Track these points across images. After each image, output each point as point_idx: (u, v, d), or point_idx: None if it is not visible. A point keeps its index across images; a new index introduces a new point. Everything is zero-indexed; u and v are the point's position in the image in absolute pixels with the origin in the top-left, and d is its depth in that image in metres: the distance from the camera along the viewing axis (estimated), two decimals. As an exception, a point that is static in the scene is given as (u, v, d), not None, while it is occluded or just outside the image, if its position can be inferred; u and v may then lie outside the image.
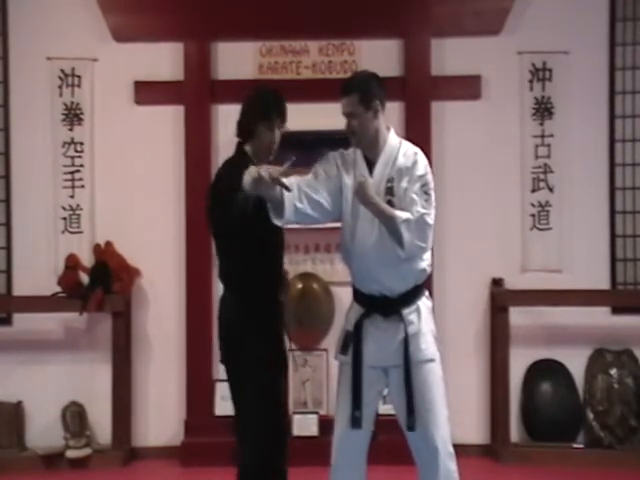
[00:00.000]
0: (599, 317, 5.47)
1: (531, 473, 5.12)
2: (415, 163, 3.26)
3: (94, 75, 5.60)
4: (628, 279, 5.56)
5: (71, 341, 5.53)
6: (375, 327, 3.27)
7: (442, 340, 5.63)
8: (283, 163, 3.10)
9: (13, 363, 5.43)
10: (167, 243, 5.54)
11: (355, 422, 3.24)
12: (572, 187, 5.54)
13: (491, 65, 5.56)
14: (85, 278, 5.45)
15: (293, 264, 5.52)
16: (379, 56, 5.55)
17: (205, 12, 5.50)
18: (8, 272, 5.58)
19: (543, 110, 5.56)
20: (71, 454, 5.26)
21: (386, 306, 3.26)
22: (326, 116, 5.39)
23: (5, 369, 5.42)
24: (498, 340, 5.37)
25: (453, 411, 5.47)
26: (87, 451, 5.31)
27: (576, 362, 5.45)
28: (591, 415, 5.37)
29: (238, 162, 3.38)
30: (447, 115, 5.55)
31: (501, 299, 5.38)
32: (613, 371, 5.41)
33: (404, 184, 3.22)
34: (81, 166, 5.58)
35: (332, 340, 5.53)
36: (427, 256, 3.29)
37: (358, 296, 3.36)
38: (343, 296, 5.51)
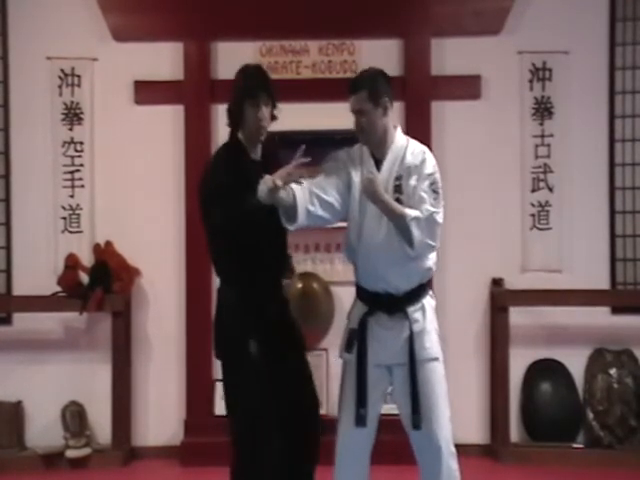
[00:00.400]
0: (599, 317, 5.47)
1: (531, 473, 5.12)
2: (424, 161, 3.27)
3: (94, 75, 5.59)
4: (628, 279, 5.56)
5: (71, 341, 5.53)
6: (379, 325, 3.27)
7: (441, 340, 5.65)
8: (291, 158, 3.11)
9: (13, 363, 5.43)
10: (167, 243, 5.54)
11: (360, 420, 3.24)
12: (572, 187, 5.54)
13: (491, 65, 5.56)
14: (85, 278, 5.45)
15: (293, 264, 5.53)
16: (379, 56, 5.53)
17: (205, 12, 5.50)
18: (8, 272, 5.58)
19: (543, 110, 5.56)
20: (71, 454, 5.26)
21: (391, 304, 3.26)
22: (326, 116, 5.42)
23: (5, 369, 5.42)
24: (498, 340, 5.37)
25: (453, 411, 5.46)
26: (87, 451, 5.31)
27: (576, 362, 5.45)
28: (591, 415, 5.37)
29: (228, 153, 3.39)
30: (447, 115, 5.55)
31: (501, 299, 5.38)
32: (613, 371, 5.42)
33: (413, 182, 3.22)
34: (81, 166, 5.58)
35: (332, 340, 5.54)
36: (433, 255, 3.30)
37: (362, 294, 3.35)
38: (343, 296, 5.52)
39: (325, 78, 5.59)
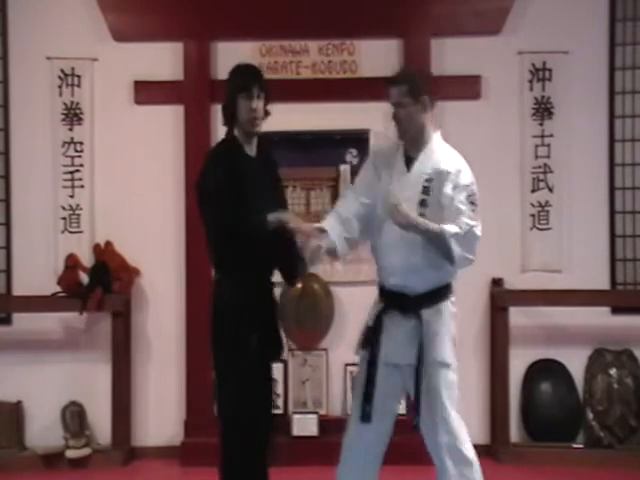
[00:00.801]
0: (599, 317, 5.47)
1: (531, 473, 5.12)
2: (460, 171, 3.26)
3: (94, 75, 5.59)
4: (628, 279, 5.56)
5: (71, 341, 5.53)
6: (393, 324, 3.25)
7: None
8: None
9: (13, 363, 5.43)
10: (167, 243, 5.54)
11: (364, 416, 3.24)
12: (572, 187, 5.54)
13: (491, 65, 5.56)
14: (85, 278, 5.45)
15: (293, 264, 5.53)
16: (379, 56, 5.55)
17: (205, 12, 5.50)
18: (8, 272, 5.58)
19: (543, 110, 5.56)
20: (71, 454, 5.26)
21: (406, 304, 3.24)
22: (326, 116, 5.44)
23: (5, 369, 5.41)
24: (498, 340, 5.37)
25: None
26: (87, 451, 5.31)
27: (576, 362, 5.45)
28: (591, 415, 5.37)
29: (224, 149, 3.43)
30: (447, 115, 5.53)
31: (501, 299, 5.39)
32: (613, 371, 5.42)
33: (448, 191, 3.19)
34: (81, 166, 5.58)
35: (332, 340, 5.55)
36: (463, 238, 3.18)
37: (381, 291, 3.36)
38: (343, 296, 5.54)
39: (325, 78, 5.60)
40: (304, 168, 5.53)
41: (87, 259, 5.50)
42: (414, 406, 3.25)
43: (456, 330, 3.33)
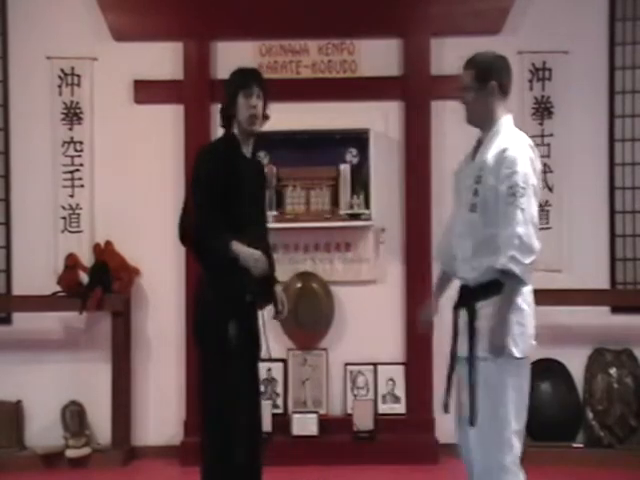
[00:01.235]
0: (599, 316, 5.46)
1: (531, 473, 5.08)
2: (503, 160, 3.09)
3: (94, 74, 5.59)
4: (628, 279, 5.55)
5: (71, 340, 5.53)
6: (461, 317, 3.22)
7: (441, 339, 5.64)
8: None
9: (12, 362, 5.43)
10: (167, 242, 5.51)
11: (444, 406, 3.27)
12: (572, 187, 5.54)
13: (491, 65, 5.55)
14: (85, 277, 5.45)
15: (293, 263, 5.54)
16: (379, 55, 5.56)
17: (205, 11, 5.50)
18: (8, 271, 5.58)
19: (543, 110, 5.56)
20: (71, 453, 5.26)
21: (465, 296, 3.22)
22: (326, 115, 5.43)
23: (4, 368, 5.41)
24: (498, 340, 5.36)
25: (453, 411, 5.46)
26: (87, 450, 5.31)
27: (576, 362, 5.45)
28: (591, 415, 5.37)
29: (223, 145, 3.45)
30: (447, 114, 5.55)
31: (501, 299, 5.38)
32: (613, 370, 5.41)
33: (490, 182, 3.10)
34: (81, 165, 5.58)
35: (332, 339, 5.55)
36: (507, 253, 3.03)
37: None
38: (343, 295, 5.54)
39: (325, 78, 5.60)
40: (304, 167, 5.53)
41: (87, 259, 5.50)
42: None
43: (521, 325, 3.14)
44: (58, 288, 5.40)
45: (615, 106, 5.56)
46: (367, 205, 5.45)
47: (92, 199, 5.58)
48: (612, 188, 5.56)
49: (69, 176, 5.57)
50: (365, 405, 5.36)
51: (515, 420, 3.06)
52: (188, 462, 5.20)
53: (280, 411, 5.44)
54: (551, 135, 5.55)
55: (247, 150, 3.49)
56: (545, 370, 5.43)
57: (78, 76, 5.59)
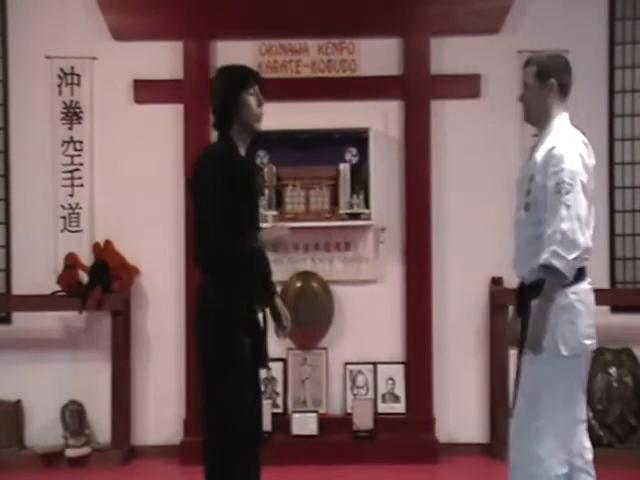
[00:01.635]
0: (598, 316, 5.42)
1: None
2: (552, 157, 3.10)
3: (93, 74, 5.59)
4: (627, 278, 5.56)
5: (70, 340, 5.53)
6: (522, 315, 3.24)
7: (441, 339, 5.64)
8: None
9: (12, 362, 5.43)
10: (166, 242, 5.54)
11: (512, 400, 3.35)
12: (572, 186, 5.54)
13: (490, 64, 5.56)
14: (84, 277, 5.45)
15: (292, 263, 5.54)
16: (378, 55, 5.56)
17: (205, 11, 5.50)
18: (7, 271, 5.58)
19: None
20: (70, 453, 5.27)
21: (521, 293, 3.25)
22: (325, 115, 5.43)
23: (4, 368, 5.41)
24: (498, 339, 5.37)
25: (453, 410, 5.47)
26: (86, 450, 5.31)
27: (575, 361, 5.44)
28: (590, 414, 5.36)
29: (225, 155, 3.29)
30: (446, 114, 5.56)
31: (500, 298, 5.38)
32: (612, 370, 5.41)
33: (540, 179, 3.12)
34: (80, 165, 5.58)
35: (332, 339, 5.55)
36: (549, 248, 3.03)
37: None
38: (342, 295, 5.54)
39: (324, 77, 5.60)
40: (303, 167, 5.53)
41: (87, 258, 5.50)
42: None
43: (571, 324, 3.14)
44: (58, 287, 5.40)
45: (615, 105, 5.56)
46: (367, 204, 5.45)
47: (92, 198, 5.58)
48: (612, 187, 5.56)
49: (69, 175, 5.57)
50: (365, 404, 5.36)
51: (562, 413, 3.10)
52: (188, 461, 5.21)
53: (280, 410, 5.44)
54: (551, 134, 5.55)
55: (243, 150, 3.43)
56: (545, 369, 5.44)
57: (78, 76, 5.59)
